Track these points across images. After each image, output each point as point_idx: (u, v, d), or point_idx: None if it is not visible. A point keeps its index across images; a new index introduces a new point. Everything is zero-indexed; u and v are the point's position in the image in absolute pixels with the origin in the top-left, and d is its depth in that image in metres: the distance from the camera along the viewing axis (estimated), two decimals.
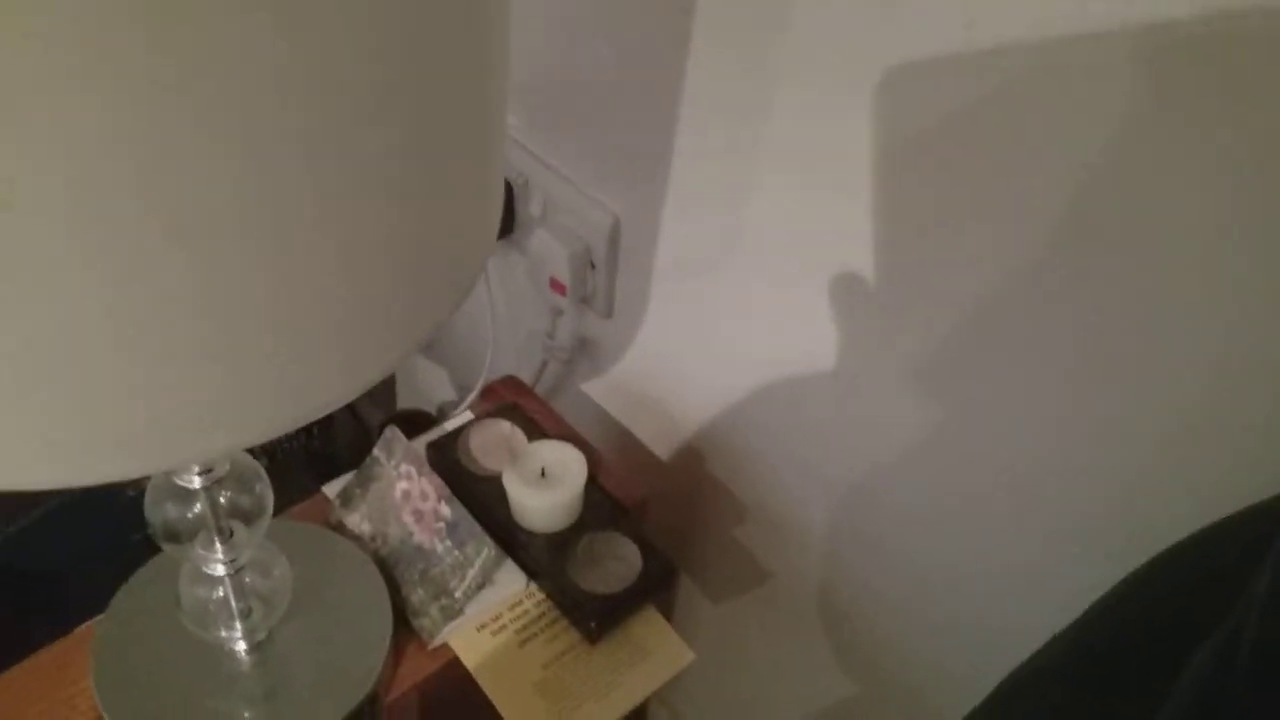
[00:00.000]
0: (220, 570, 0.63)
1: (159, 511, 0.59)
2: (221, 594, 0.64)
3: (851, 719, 0.90)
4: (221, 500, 0.60)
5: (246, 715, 0.65)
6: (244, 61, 0.29)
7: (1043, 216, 0.55)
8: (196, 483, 0.58)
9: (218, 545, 0.61)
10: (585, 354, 0.96)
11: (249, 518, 0.61)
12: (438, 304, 0.43)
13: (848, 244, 0.66)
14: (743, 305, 0.77)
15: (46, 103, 0.27)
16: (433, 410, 1.27)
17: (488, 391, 0.90)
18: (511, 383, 0.92)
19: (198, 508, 0.59)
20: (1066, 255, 0.55)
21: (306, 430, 1.15)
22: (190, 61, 0.28)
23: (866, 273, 0.66)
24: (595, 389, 0.98)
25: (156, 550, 0.72)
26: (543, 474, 0.75)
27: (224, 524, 0.60)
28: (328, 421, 1.19)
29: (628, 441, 0.96)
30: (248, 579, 0.65)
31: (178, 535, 0.60)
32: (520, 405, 0.85)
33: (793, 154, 0.67)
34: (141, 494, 0.70)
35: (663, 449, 0.93)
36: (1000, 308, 0.60)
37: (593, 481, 0.77)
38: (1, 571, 0.89)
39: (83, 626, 0.70)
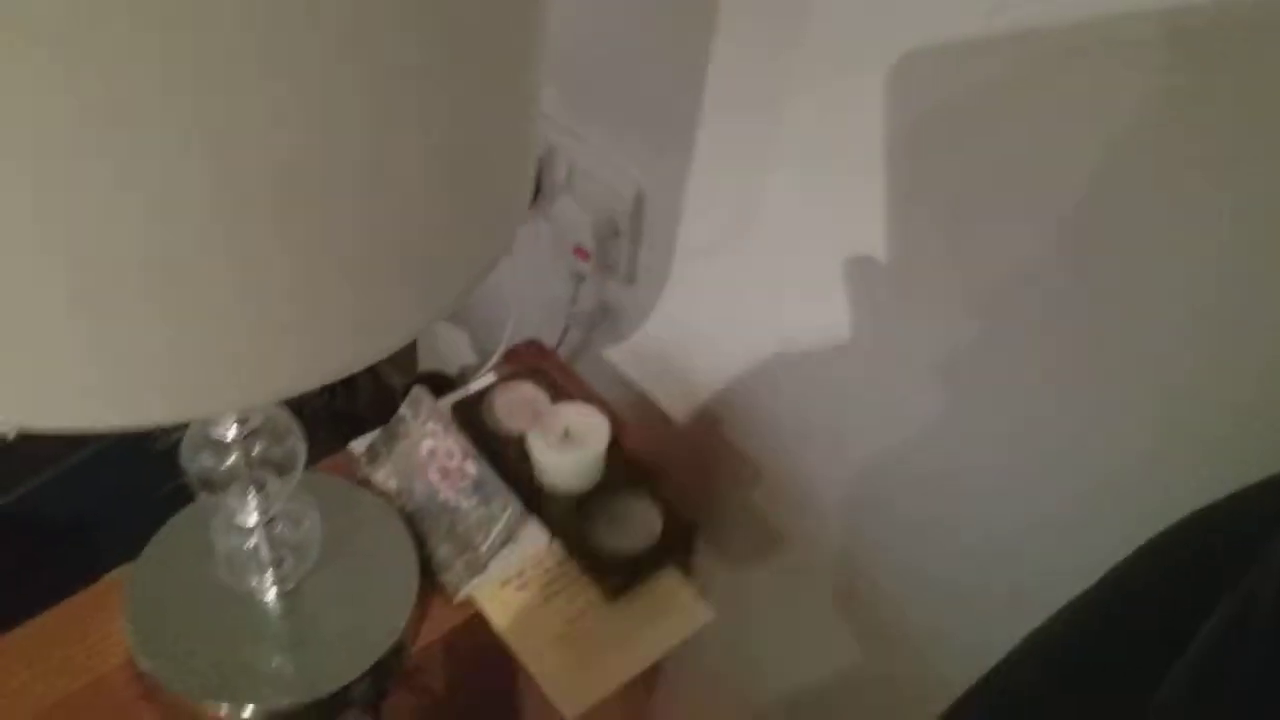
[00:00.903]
0: (253, 520, 0.64)
1: (195, 461, 0.61)
2: (253, 543, 0.66)
3: (858, 688, 0.92)
4: (255, 452, 0.61)
5: (275, 662, 0.67)
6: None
7: (1058, 200, 0.56)
8: (231, 434, 0.59)
9: (251, 495, 0.63)
10: (606, 320, 0.97)
11: (281, 469, 0.63)
12: (469, 268, 0.45)
13: (868, 224, 0.67)
14: (765, 277, 0.78)
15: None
16: (453, 374, 1.28)
17: (510, 355, 0.92)
18: (534, 346, 0.93)
19: (232, 458, 0.61)
20: (1079, 236, 0.56)
21: (330, 391, 1.17)
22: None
23: (885, 252, 0.67)
24: (615, 354, 0.99)
25: (185, 502, 0.73)
26: (566, 435, 0.77)
27: (257, 475, 0.62)
28: (350, 383, 1.21)
29: (646, 406, 0.98)
30: (279, 529, 0.66)
31: (212, 485, 0.62)
32: (543, 368, 0.86)
33: (817, 133, 0.68)
34: (171, 447, 0.71)
35: (681, 414, 0.94)
36: (1015, 288, 0.61)
37: (615, 444, 0.78)
38: (30, 520, 0.90)
39: (116, 571, 0.72)
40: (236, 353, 0.38)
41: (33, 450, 0.89)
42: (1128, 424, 0.59)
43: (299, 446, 0.63)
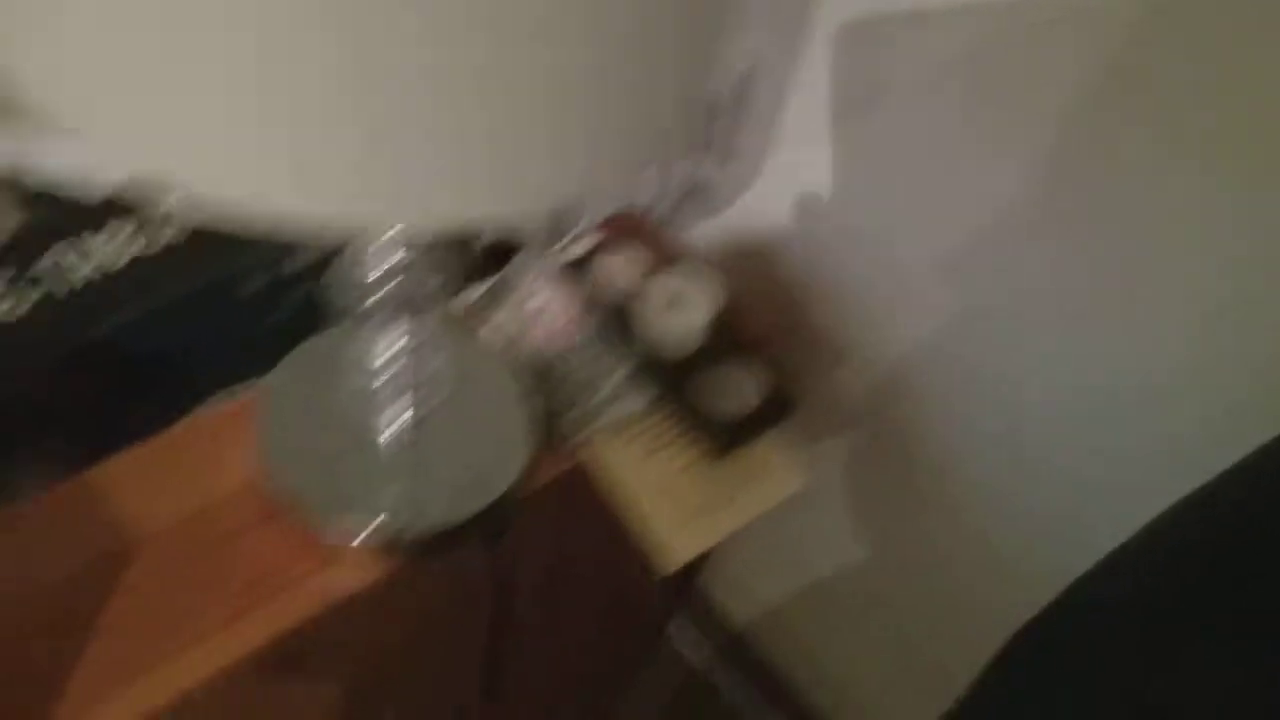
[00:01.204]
0: (390, 352, 0.66)
1: (344, 288, 0.62)
2: (386, 375, 0.67)
3: (919, 569, 0.96)
4: (402, 284, 0.63)
5: (396, 491, 0.69)
6: None
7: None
8: (384, 265, 0.61)
9: (391, 329, 0.64)
10: (694, 198, 0.99)
11: (423, 305, 0.64)
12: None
13: (973, 130, 0.70)
14: (859, 161, 0.80)
15: None
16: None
17: (604, 224, 0.93)
18: (625, 217, 0.94)
19: (380, 291, 0.62)
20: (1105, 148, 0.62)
21: None
22: None
23: (977, 156, 0.71)
24: (699, 234, 1.01)
25: (284, 343, 0.75)
26: (674, 299, 0.78)
27: (405, 306, 0.63)
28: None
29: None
30: (411, 364, 0.68)
31: (356, 313, 0.63)
32: (642, 235, 0.87)
33: (932, 33, 0.70)
34: (267, 286, 0.72)
35: (761, 296, 0.97)
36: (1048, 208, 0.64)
37: (719, 310, 0.80)
38: (124, 353, 0.91)
39: (242, 390, 0.73)
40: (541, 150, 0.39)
41: (116, 289, 0.90)
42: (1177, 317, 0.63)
43: (442, 285, 0.64)
